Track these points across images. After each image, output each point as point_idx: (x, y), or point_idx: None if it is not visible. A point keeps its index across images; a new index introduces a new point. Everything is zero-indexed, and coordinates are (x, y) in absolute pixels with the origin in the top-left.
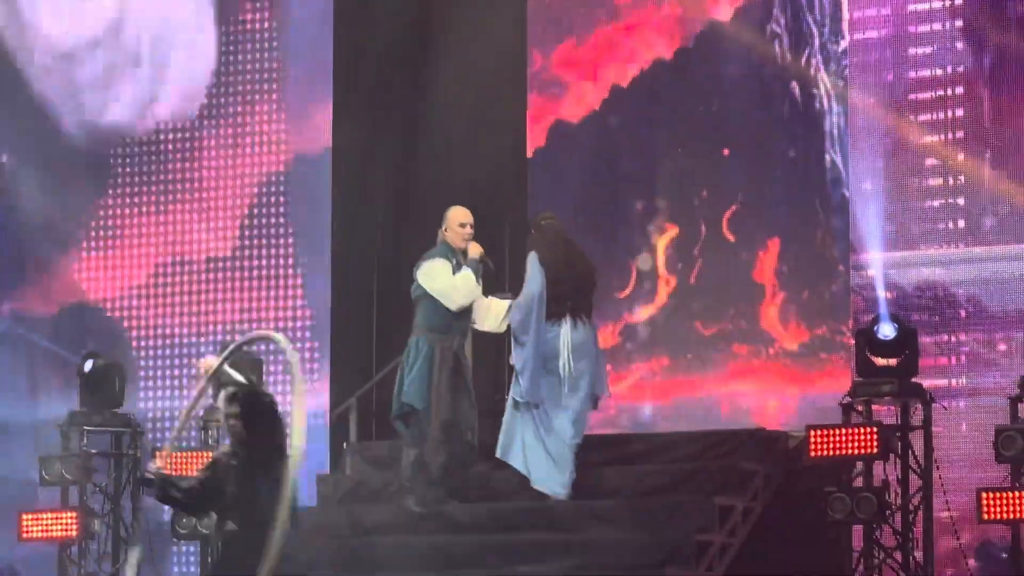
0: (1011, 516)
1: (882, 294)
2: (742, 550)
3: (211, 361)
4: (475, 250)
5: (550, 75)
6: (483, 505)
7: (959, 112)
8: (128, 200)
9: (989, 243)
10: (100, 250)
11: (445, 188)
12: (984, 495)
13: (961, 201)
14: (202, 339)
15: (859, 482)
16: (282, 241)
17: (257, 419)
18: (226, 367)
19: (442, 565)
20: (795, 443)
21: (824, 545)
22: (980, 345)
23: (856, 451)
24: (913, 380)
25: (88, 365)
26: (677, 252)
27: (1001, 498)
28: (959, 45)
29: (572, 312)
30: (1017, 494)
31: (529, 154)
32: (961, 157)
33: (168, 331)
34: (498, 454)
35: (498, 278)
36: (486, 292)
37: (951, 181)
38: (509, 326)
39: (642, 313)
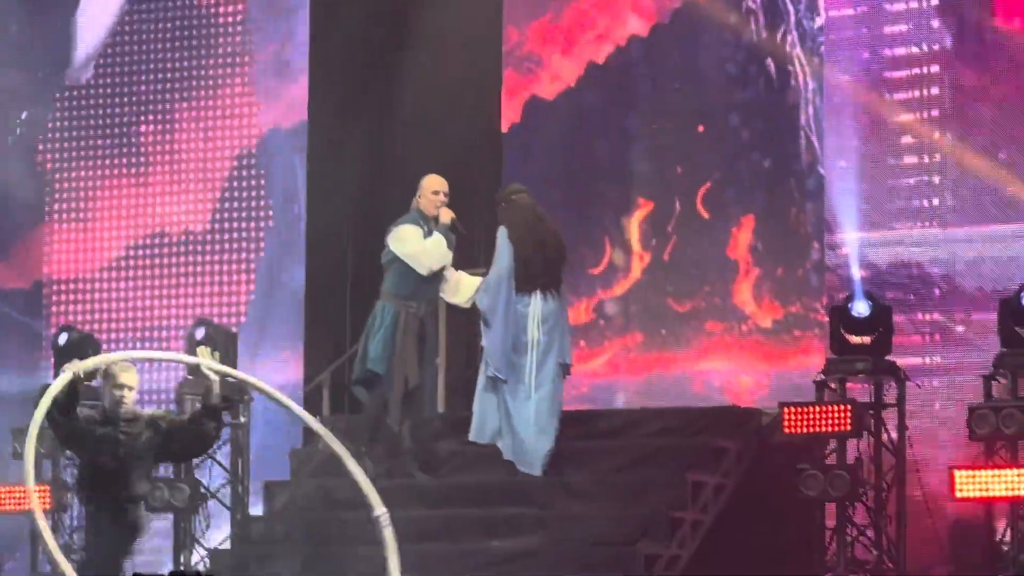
0: (984, 494)
1: (856, 272)
2: (714, 526)
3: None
4: (446, 216)
5: (525, 51)
6: (456, 479)
7: (935, 90)
8: (102, 173)
9: (964, 222)
10: (73, 222)
11: (419, 163)
12: (957, 473)
13: (936, 179)
14: (175, 312)
15: (832, 459)
16: (257, 215)
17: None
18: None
19: (415, 539)
20: (768, 420)
21: (797, 522)
22: (954, 324)
23: (829, 428)
24: (887, 358)
25: (62, 338)
26: (651, 228)
27: (974, 476)
28: (935, 23)
29: (543, 287)
30: (990, 472)
31: (504, 130)
32: (936, 135)
33: (142, 304)
34: (472, 436)
35: (472, 253)
36: (460, 267)
37: (926, 159)
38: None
39: (615, 290)
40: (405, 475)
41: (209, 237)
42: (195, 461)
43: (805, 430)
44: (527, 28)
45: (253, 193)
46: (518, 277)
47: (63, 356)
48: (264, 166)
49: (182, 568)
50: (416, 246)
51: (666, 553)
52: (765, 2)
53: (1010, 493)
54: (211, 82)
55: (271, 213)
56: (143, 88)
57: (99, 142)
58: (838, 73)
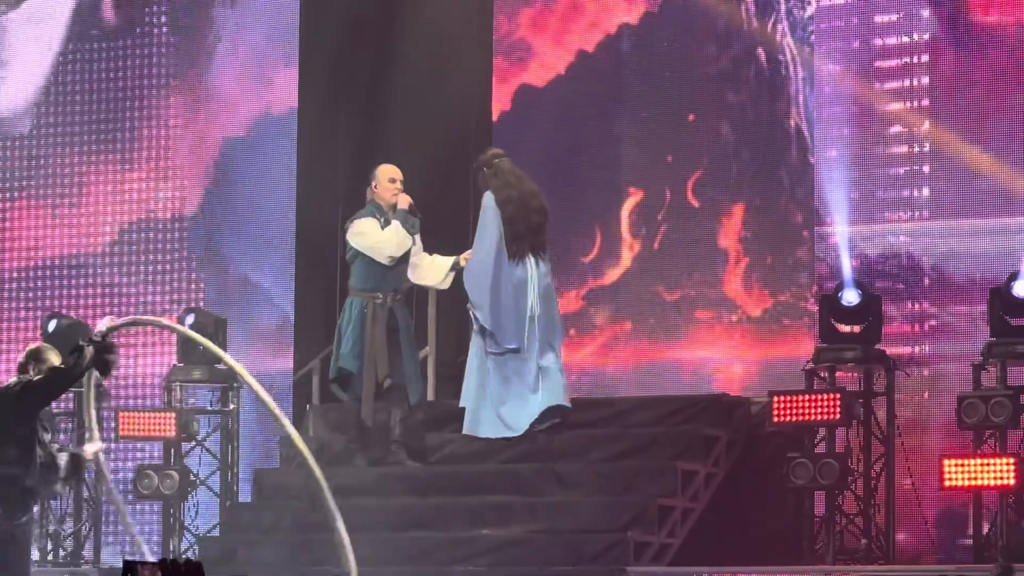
0: (973, 483)
1: (846, 261)
2: (704, 515)
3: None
4: (403, 201)
5: (516, 39)
6: (446, 467)
7: (924, 80)
8: (94, 159)
9: (954, 211)
10: (64, 207)
11: (409, 151)
12: (946, 462)
13: (926, 169)
14: (163, 299)
15: (822, 448)
16: (245, 203)
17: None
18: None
19: (405, 527)
20: (758, 409)
21: (786, 511)
22: (943, 313)
23: (819, 417)
24: (876, 347)
25: (52, 325)
26: (641, 217)
27: (963, 465)
28: (925, 13)
29: (532, 250)
30: (979, 461)
31: (494, 118)
32: (926, 125)
33: (129, 290)
34: (466, 430)
35: (462, 240)
36: (454, 253)
37: (916, 149)
38: (462, 284)
39: (605, 278)
40: (395, 463)
41: (198, 223)
42: (184, 447)
43: (794, 419)
44: (517, 16)
45: (242, 178)
46: (507, 241)
47: (52, 343)
48: (254, 153)
49: (171, 555)
50: (375, 237)
51: (656, 541)
52: None
53: (999, 482)
54: (201, 68)
55: (261, 199)
56: (132, 74)
57: (90, 127)
58: (828, 62)
